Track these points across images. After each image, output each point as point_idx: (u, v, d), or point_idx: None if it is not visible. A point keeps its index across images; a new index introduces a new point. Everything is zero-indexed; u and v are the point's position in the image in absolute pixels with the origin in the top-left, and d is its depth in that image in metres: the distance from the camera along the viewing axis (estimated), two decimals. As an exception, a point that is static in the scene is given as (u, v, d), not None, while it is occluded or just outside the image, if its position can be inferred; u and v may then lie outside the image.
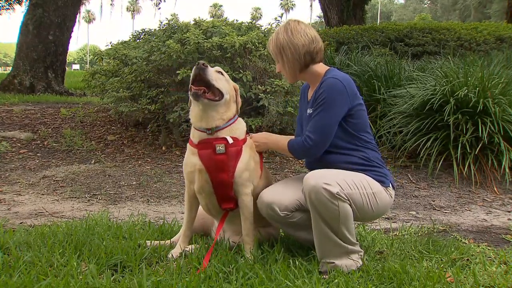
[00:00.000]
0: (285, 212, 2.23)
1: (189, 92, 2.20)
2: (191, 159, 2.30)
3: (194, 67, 2.18)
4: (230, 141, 2.25)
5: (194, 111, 2.28)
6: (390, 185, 2.28)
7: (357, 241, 2.27)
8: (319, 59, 2.32)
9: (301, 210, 2.24)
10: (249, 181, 2.30)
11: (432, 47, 9.05)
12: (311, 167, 2.31)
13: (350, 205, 2.09)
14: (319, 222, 2.10)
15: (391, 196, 2.30)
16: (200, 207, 2.48)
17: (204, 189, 2.30)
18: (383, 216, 3.44)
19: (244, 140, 2.34)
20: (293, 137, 2.40)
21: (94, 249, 2.25)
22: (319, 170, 2.16)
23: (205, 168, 2.24)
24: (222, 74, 2.31)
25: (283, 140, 2.37)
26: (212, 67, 2.30)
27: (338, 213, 2.06)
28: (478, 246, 2.79)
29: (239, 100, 2.40)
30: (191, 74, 2.20)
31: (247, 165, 2.28)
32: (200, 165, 2.25)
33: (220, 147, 2.23)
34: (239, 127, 2.35)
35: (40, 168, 4.91)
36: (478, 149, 4.38)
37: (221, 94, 2.23)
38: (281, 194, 2.26)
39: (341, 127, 2.22)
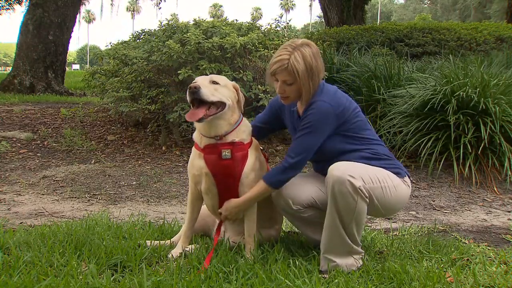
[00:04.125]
0: (298, 207, 2.27)
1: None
2: (198, 162, 2.29)
3: (187, 91, 2.14)
4: (236, 139, 2.25)
5: (200, 124, 2.25)
6: (406, 175, 2.30)
7: (361, 242, 2.28)
8: None
9: (314, 207, 2.27)
10: (255, 182, 2.29)
11: (432, 47, 9.04)
12: (323, 171, 2.25)
13: (367, 202, 2.11)
14: (333, 214, 2.11)
15: (409, 186, 2.31)
16: (202, 207, 2.48)
17: (211, 190, 2.30)
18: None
19: (250, 143, 2.33)
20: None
21: (94, 249, 2.25)
22: (344, 162, 2.17)
23: (211, 173, 2.25)
24: (217, 83, 2.23)
25: (252, 189, 2.26)
26: (207, 73, 2.27)
27: (354, 207, 2.08)
28: (478, 246, 2.79)
29: (241, 98, 2.34)
30: (188, 99, 2.16)
31: (253, 167, 2.28)
32: (206, 169, 2.25)
33: (226, 153, 2.22)
34: (245, 129, 2.33)
35: (40, 168, 4.91)
36: (480, 149, 4.38)
37: (223, 104, 2.20)
38: (298, 189, 2.28)
39: (340, 136, 2.22)
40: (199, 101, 2.15)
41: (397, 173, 2.25)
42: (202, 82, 2.19)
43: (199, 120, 2.15)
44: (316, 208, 2.27)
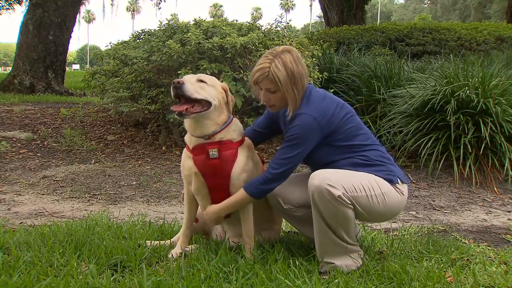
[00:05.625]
0: (288, 206, 2.27)
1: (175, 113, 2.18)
2: (188, 163, 2.29)
3: (171, 87, 2.15)
4: (224, 138, 2.23)
5: (188, 122, 2.27)
6: (399, 180, 2.21)
7: (358, 241, 2.27)
8: None
9: (306, 206, 2.24)
10: (248, 182, 2.29)
11: (432, 47, 9.06)
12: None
13: (353, 209, 2.08)
14: (319, 221, 2.11)
15: (402, 193, 2.22)
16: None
17: (201, 191, 2.30)
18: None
19: (240, 142, 2.31)
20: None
21: (94, 249, 2.25)
22: (326, 169, 2.14)
23: (200, 173, 2.24)
24: (204, 81, 2.23)
25: (232, 196, 2.25)
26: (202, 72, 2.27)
27: (337, 215, 2.06)
28: (478, 246, 2.79)
29: (230, 99, 2.33)
30: (171, 94, 2.17)
31: (244, 166, 2.26)
32: (195, 169, 2.25)
33: (213, 152, 2.21)
34: (235, 128, 2.31)
35: (40, 168, 4.91)
36: (481, 149, 4.37)
37: (208, 103, 2.19)
38: (288, 188, 2.28)
39: (329, 146, 2.18)
40: (185, 98, 2.15)
41: (389, 180, 2.18)
42: (188, 79, 2.20)
43: (180, 115, 2.15)
44: (308, 208, 2.22)
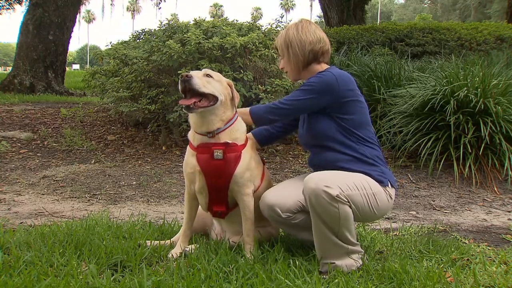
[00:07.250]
0: (287, 214, 2.23)
1: (182, 107, 2.20)
2: (192, 160, 2.30)
3: (179, 80, 2.17)
4: (229, 140, 2.25)
5: (193, 118, 2.28)
6: (389, 184, 2.24)
7: (358, 241, 2.27)
8: (324, 60, 2.34)
9: (303, 211, 2.24)
10: (250, 181, 2.29)
11: (433, 47, 9.05)
12: (312, 164, 2.36)
13: (350, 206, 2.08)
14: (319, 224, 2.10)
15: (391, 197, 2.25)
16: (200, 207, 2.49)
17: (205, 189, 2.30)
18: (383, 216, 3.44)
19: (245, 145, 2.32)
20: None
21: (94, 249, 2.25)
22: (319, 172, 2.15)
23: (202, 172, 2.25)
24: (210, 76, 2.26)
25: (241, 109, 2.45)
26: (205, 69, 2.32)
27: (338, 215, 2.05)
28: (478, 246, 2.79)
29: (236, 95, 2.35)
30: (179, 88, 2.19)
31: (248, 166, 2.27)
32: (199, 167, 2.26)
33: (218, 153, 2.22)
34: (239, 127, 2.32)
35: (40, 168, 4.91)
36: (481, 149, 4.37)
37: (215, 98, 2.21)
38: (283, 196, 2.26)
39: (335, 123, 2.23)
40: (192, 92, 2.16)
41: (379, 181, 2.20)
42: (195, 74, 2.22)
43: (188, 109, 2.16)
44: (306, 212, 2.21)
